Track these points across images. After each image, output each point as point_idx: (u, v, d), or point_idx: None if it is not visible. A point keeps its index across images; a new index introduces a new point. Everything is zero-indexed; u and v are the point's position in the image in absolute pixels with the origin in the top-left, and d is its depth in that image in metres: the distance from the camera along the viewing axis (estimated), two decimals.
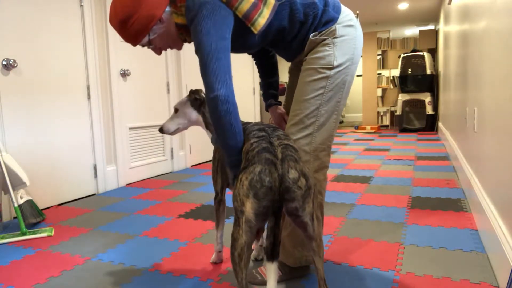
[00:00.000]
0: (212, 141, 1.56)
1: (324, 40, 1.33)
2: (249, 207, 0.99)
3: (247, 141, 1.15)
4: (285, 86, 8.57)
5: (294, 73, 1.56)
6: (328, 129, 1.36)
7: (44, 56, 2.55)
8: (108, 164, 3.08)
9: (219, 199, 1.54)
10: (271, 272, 0.96)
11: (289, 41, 1.38)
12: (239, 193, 1.02)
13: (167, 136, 3.72)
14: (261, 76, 1.64)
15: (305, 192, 1.02)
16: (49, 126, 2.60)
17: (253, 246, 1.64)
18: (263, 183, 0.98)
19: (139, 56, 3.37)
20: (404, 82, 6.72)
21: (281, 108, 1.61)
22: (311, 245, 1.09)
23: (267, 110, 1.64)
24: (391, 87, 7.91)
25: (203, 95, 1.59)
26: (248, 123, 1.34)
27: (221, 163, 1.47)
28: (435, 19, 7.55)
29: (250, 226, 1.00)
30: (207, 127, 1.60)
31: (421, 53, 6.64)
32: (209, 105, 1.15)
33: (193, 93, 1.58)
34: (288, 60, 1.50)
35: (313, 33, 1.35)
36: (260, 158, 1.02)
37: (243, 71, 5.06)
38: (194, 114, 1.60)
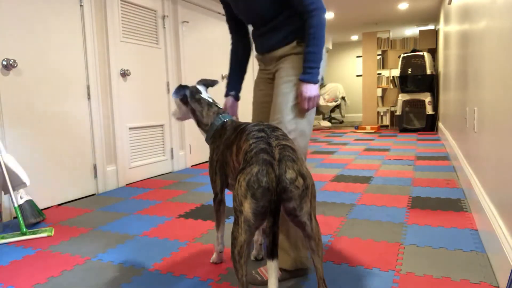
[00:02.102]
0: (207, 140, 1.55)
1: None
2: (248, 207, 1.01)
3: (246, 141, 1.16)
4: None
5: (261, 85, 1.64)
6: (306, 136, 1.43)
7: (44, 56, 2.55)
8: (108, 164, 3.08)
9: (219, 200, 1.52)
10: (271, 270, 0.97)
11: (280, 22, 1.48)
12: (238, 194, 1.04)
13: (167, 136, 3.72)
14: (233, 64, 1.71)
15: (302, 192, 1.03)
16: (49, 126, 2.60)
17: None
18: (260, 184, 1.00)
19: (139, 56, 3.38)
20: (404, 82, 6.72)
21: (237, 105, 1.75)
22: (310, 244, 1.09)
23: (226, 96, 1.70)
24: (391, 87, 7.91)
25: (188, 92, 1.58)
26: (247, 123, 1.34)
27: (219, 163, 1.46)
28: (435, 19, 7.54)
29: (249, 225, 1.02)
30: (198, 125, 1.59)
31: (421, 53, 6.63)
32: (322, 20, 1.40)
33: (178, 88, 1.58)
34: (263, 49, 1.57)
35: (296, 40, 1.46)
36: (258, 159, 1.04)
37: None
38: (183, 108, 1.62)
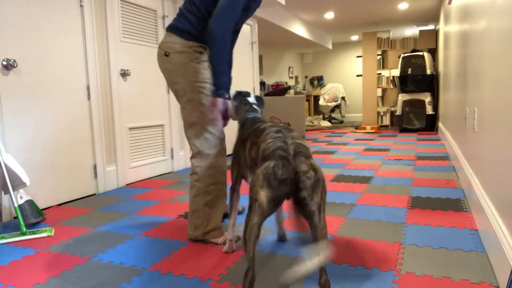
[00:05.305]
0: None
1: None
2: (263, 195, 1.12)
3: (264, 141, 1.29)
4: (285, 85, 8.53)
5: None
6: None
7: (44, 56, 2.55)
8: (108, 164, 3.08)
9: (233, 188, 1.68)
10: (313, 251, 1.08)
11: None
12: (255, 185, 1.15)
13: (167, 136, 3.72)
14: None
15: (314, 183, 1.13)
16: (49, 126, 2.60)
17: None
18: (276, 176, 1.12)
19: (139, 56, 3.38)
20: (404, 82, 6.72)
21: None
22: (315, 234, 1.15)
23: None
24: (391, 87, 7.91)
25: (241, 96, 1.80)
26: (265, 122, 1.50)
27: (236, 155, 1.63)
28: (435, 19, 7.54)
29: (262, 210, 1.13)
30: (238, 121, 1.80)
31: (421, 53, 6.63)
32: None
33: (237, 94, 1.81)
34: None
35: None
36: (274, 155, 1.17)
37: (243, 70, 5.06)
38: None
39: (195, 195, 1.79)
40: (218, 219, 1.81)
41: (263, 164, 1.18)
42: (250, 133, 1.48)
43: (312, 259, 1.04)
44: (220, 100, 1.67)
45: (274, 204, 1.13)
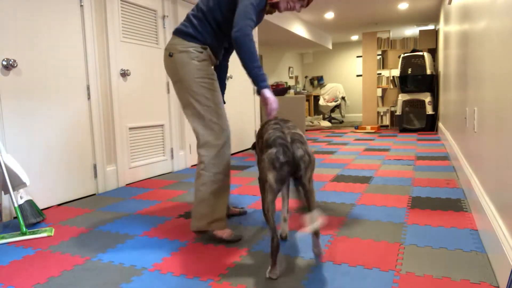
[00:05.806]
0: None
1: None
2: (271, 176, 1.40)
3: (266, 132, 1.53)
4: (285, 85, 8.54)
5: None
6: None
7: (44, 56, 2.55)
8: (108, 164, 3.08)
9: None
10: (311, 218, 1.42)
11: None
12: (263, 168, 1.44)
13: (167, 136, 3.72)
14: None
15: (307, 165, 1.43)
16: (49, 126, 2.60)
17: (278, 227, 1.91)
18: (279, 160, 1.39)
19: (139, 56, 3.38)
20: (404, 82, 6.72)
21: None
22: (306, 195, 1.45)
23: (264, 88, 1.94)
24: (391, 87, 7.91)
25: None
26: (271, 119, 1.70)
27: (257, 152, 1.79)
28: (435, 19, 7.55)
29: (273, 189, 1.42)
30: None
31: (421, 53, 6.63)
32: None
33: None
34: (219, 58, 2.02)
35: None
36: (275, 143, 1.43)
37: (243, 71, 5.05)
38: None
39: (202, 184, 1.82)
40: (223, 210, 1.85)
41: (267, 150, 1.43)
42: (261, 129, 1.71)
43: (310, 225, 1.42)
44: (265, 91, 1.75)
45: (280, 181, 1.41)
